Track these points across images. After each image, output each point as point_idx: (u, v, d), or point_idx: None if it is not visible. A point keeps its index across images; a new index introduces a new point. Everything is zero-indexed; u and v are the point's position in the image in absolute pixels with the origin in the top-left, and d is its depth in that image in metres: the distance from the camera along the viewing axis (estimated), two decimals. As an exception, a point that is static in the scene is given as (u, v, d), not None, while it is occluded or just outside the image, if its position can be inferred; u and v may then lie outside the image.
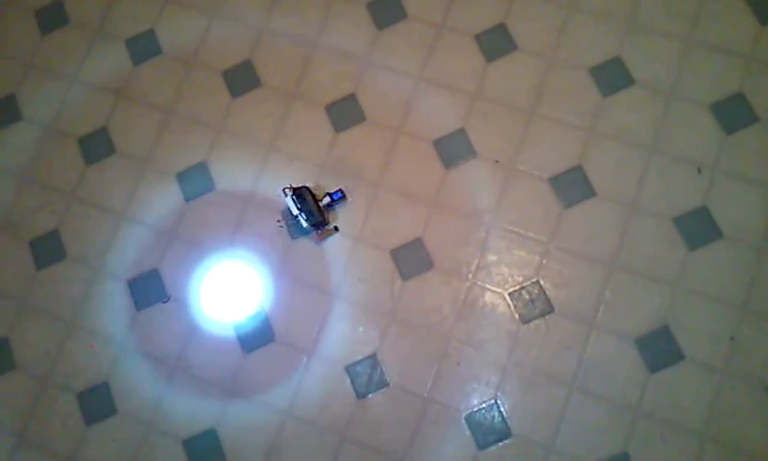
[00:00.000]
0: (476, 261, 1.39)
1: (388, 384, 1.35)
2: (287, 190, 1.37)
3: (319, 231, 1.40)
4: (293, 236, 1.43)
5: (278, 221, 1.42)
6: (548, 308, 1.36)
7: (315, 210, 1.38)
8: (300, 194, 1.37)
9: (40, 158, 1.55)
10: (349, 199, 1.44)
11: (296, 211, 1.36)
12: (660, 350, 1.32)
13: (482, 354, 1.35)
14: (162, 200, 1.49)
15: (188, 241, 1.46)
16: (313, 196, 1.40)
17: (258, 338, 1.40)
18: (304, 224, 1.37)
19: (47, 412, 1.41)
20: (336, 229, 1.42)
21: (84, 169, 1.53)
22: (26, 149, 1.56)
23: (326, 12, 1.56)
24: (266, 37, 1.56)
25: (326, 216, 1.41)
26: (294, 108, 1.51)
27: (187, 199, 1.49)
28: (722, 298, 1.33)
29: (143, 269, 1.46)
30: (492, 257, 1.39)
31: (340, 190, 1.42)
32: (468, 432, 1.31)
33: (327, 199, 1.40)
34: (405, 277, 1.40)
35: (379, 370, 1.36)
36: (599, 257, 1.37)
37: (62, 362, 1.43)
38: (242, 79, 1.54)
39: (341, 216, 1.44)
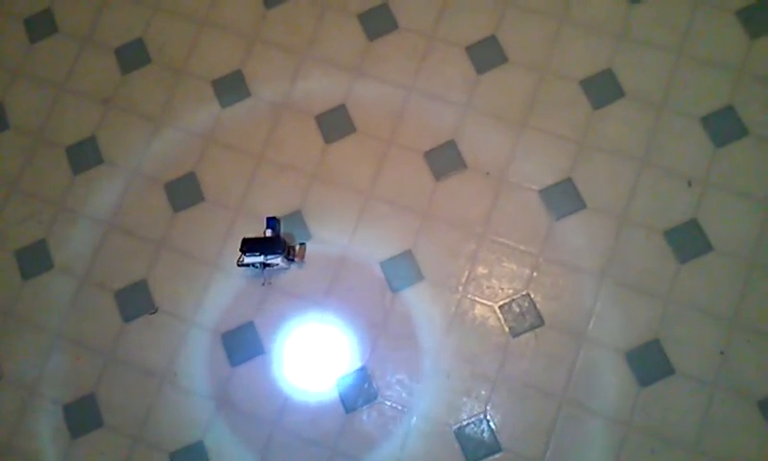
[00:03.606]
0: (466, 274, 1.39)
1: (377, 397, 1.34)
2: (239, 259, 1.34)
3: (292, 259, 1.38)
4: (279, 274, 1.40)
5: (263, 284, 1.40)
6: (538, 321, 1.35)
7: (275, 246, 1.33)
8: (248, 246, 1.32)
9: (28, 168, 1.54)
10: (281, 217, 1.42)
11: (262, 260, 1.32)
12: (650, 363, 1.31)
13: (472, 368, 1.34)
14: (150, 210, 1.48)
15: (177, 251, 1.45)
16: (257, 238, 1.35)
17: (247, 350, 1.39)
18: (281, 262, 1.34)
19: (34, 424, 1.40)
20: (303, 244, 1.40)
21: (72, 178, 1.52)
22: (13, 158, 1.54)
23: (317, 22, 1.55)
24: (257, 47, 1.56)
25: (286, 242, 1.37)
26: (284, 118, 1.51)
27: (176, 209, 1.48)
28: (712, 311, 1.33)
29: (131, 280, 1.44)
30: (482, 270, 1.39)
31: (267, 218, 1.36)
32: (457, 446, 1.31)
33: (269, 231, 1.36)
34: (395, 289, 1.39)
35: (368, 383, 1.35)
36: (590, 270, 1.37)
37: (49, 374, 1.42)
38: (232, 88, 1.53)
39: (330, 227, 1.43)
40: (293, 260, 1.38)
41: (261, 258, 1.32)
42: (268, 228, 1.36)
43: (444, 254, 1.40)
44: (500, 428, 1.31)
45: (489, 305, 1.37)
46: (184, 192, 1.48)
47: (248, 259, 1.32)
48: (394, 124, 1.47)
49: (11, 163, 1.54)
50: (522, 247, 1.39)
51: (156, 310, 1.42)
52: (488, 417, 1.31)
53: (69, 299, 1.45)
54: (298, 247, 1.40)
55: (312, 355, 1.37)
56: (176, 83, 1.55)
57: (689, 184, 1.39)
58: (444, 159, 1.44)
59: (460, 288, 1.38)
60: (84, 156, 1.53)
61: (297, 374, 1.37)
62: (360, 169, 1.46)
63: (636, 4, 1.49)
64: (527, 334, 1.35)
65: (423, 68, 1.50)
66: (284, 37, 1.55)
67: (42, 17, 1.63)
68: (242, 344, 1.39)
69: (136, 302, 1.43)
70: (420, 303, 1.38)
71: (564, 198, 1.40)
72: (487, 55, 1.49)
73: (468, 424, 1.31)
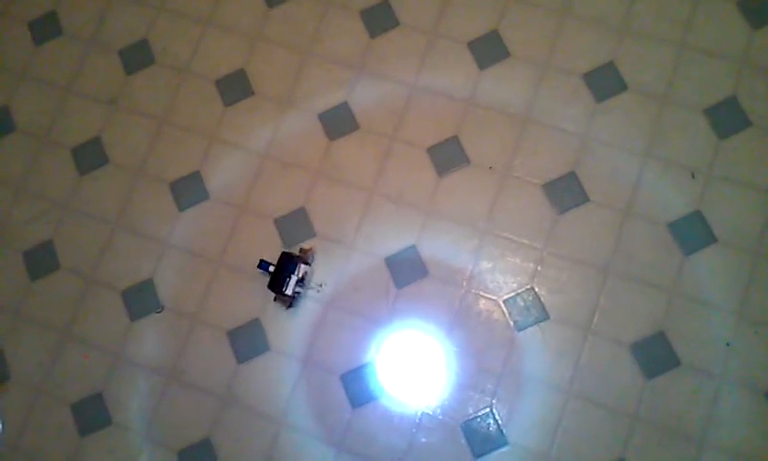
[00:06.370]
0: (471, 268, 1.39)
1: (383, 393, 1.34)
2: (284, 303, 1.36)
3: (308, 261, 1.38)
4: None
5: (318, 290, 1.40)
6: (543, 315, 1.35)
7: (290, 260, 1.34)
8: (278, 281, 1.33)
9: (34, 169, 1.55)
10: (285, 214, 1.44)
11: (297, 278, 1.33)
12: (655, 356, 1.31)
13: (477, 362, 1.34)
14: (156, 209, 1.49)
15: (181, 250, 1.46)
16: (276, 271, 1.35)
17: (253, 347, 1.39)
18: (307, 269, 1.37)
19: (41, 423, 1.41)
20: (301, 249, 1.41)
21: (78, 179, 1.53)
22: (20, 159, 1.56)
23: (320, 20, 1.56)
24: (259, 46, 1.56)
25: (290, 253, 1.37)
26: (287, 116, 1.51)
27: (181, 208, 1.49)
28: (717, 303, 1.32)
29: (137, 279, 1.45)
30: (486, 264, 1.39)
31: (259, 265, 1.36)
32: (463, 441, 1.31)
33: (271, 268, 1.35)
34: (400, 285, 1.39)
35: (374, 378, 1.35)
36: (594, 263, 1.37)
37: (57, 373, 1.43)
38: (235, 87, 1.54)
39: (334, 224, 1.43)
40: (308, 262, 1.38)
41: (295, 278, 1.32)
42: (267, 270, 1.36)
43: (448, 250, 1.40)
44: (506, 422, 1.31)
45: (493, 300, 1.37)
46: (189, 191, 1.49)
47: (290, 291, 1.32)
48: (396, 120, 1.48)
49: (17, 165, 1.55)
50: (526, 241, 1.39)
51: (162, 309, 1.43)
52: (494, 411, 1.32)
53: (76, 298, 1.46)
54: (300, 250, 1.40)
55: (317, 351, 1.38)
56: (179, 83, 1.56)
57: (693, 176, 1.39)
58: (448, 155, 1.45)
59: (464, 283, 1.38)
60: (90, 156, 1.54)
61: (302, 370, 1.37)
62: (364, 166, 1.46)
63: (638, -3, 1.49)
64: (532, 328, 1.35)
65: (425, 64, 1.50)
66: (287, 36, 1.56)
67: (47, 20, 1.64)
68: (248, 341, 1.40)
69: (143, 301, 1.44)
70: (424, 298, 1.38)
71: (567, 192, 1.41)
72: (489, 50, 1.49)
73: (475, 418, 1.32)
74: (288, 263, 1.34)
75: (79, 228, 1.50)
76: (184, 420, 1.37)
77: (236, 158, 1.50)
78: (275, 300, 1.37)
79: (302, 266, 1.34)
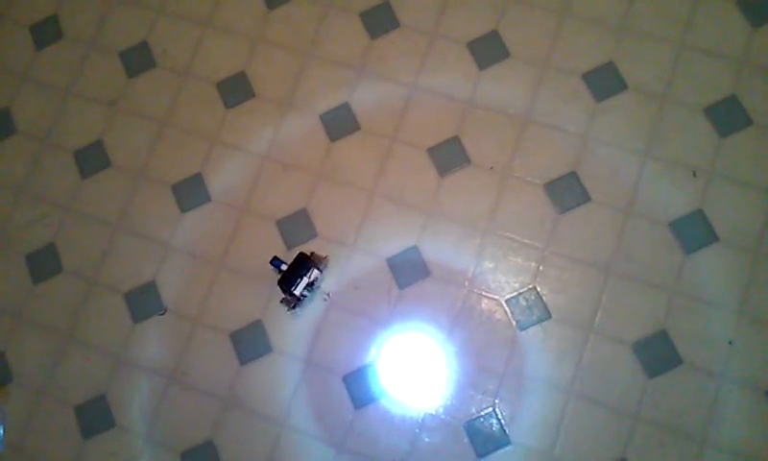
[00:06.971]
0: (472, 269, 1.39)
1: (385, 393, 1.35)
2: (288, 304, 1.36)
3: (319, 268, 1.38)
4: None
5: (325, 299, 1.40)
6: (545, 315, 1.35)
7: (305, 263, 1.34)
8: (288, 280, 1.32)
9: (35, 171, 1.55)
10: (287, 216, 1.44)
11: (307, 282, 1.33)
12: (657, 354, 1.31)
13: (480, 362, 1.34)
14: (158, 212, 1.49)
15: (183, 252, 1.46)
16: (288, 271, 1.34)
17: (255, 349, 1.39)
18: (318, 274, 1.36)
19: (44, 425, 1.41)
20: (312, 253, 1.41)
21: (80, 182, 1.53)
22: (21, 162, 1.56)
23: (320, 21, 1.56)
24: (259, 48, 1.57)
25: (305, 254, 1.37)
26: (288, 118, 1.52)
27: (183, 210, 1.49)
28: (719, 301, 1.33)
29: (139, 281, 1.46)
30: (488, 264, 1.39)
31: (272, 262, 1.36)
32: (466, 440, 1.31)
33: (284, 267, 1.35)
34: (402, 285, 1.40)
35: (376, 379, 1.35)
36: (595, 263, 1.37)
37: (59, 375, 1.43)
38: (236, 90, 1.54)
39: (335, 224, 1.44)
40: (320, 269, 1.38)
41: (306, 281, 1.32)
42: (279, 268, 1.36)
43: (449, 250, 1.40)
44: (509, 422, 1.31)
45: (495, 300, 1.37)
46: (191, 193, 1.49)
47: (299, 291, 1.32)
48: (397, 121, 1.48)
49: (18, 167, 1.56)
50: (528, 241, 1.39)
51: (165, 311, 1.43)
52: (497, 411, 1.32)
53: (79, 301, 1.46)
54: (310, 253, 1.40)
55: (319, 353, 1.38)
56: (180, 85, 1.56)
57: (694, 175, 1.39)
58: (448, 155, 1.45)
59: (466, 283, 1.38)
60: (92, 159, 1.54)
61: (304, 371, 1.37)
62: (365, 166, 1.46)
63: (637, -3, 1.50)
64: (534, 328, 1.35)
65: (426, 65, 1.51)
66: (287, 38, 1.56)
67: (48, 23, 1.64)
68: (250, 342, 1.40)
69: (146, 303, 1.44)
70: (426, 298, 1.38)
71: (568, 191, 1.41)
72: (488, 50, 1.50)
73: (477, 418, 1.32)
74: (303, 264, 1.34)
75: (81, 230, 1.50)
76: (187, 421, 1.38)
77: (238, 160, 1.50)
78: (281, 301, 1.37)
79: (315, 271, 1.34)
